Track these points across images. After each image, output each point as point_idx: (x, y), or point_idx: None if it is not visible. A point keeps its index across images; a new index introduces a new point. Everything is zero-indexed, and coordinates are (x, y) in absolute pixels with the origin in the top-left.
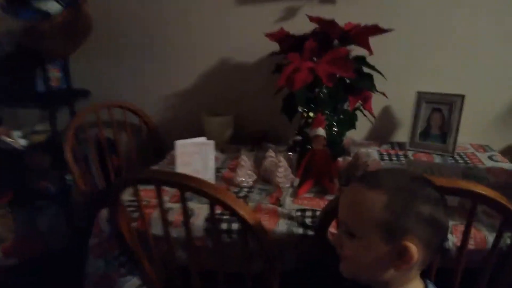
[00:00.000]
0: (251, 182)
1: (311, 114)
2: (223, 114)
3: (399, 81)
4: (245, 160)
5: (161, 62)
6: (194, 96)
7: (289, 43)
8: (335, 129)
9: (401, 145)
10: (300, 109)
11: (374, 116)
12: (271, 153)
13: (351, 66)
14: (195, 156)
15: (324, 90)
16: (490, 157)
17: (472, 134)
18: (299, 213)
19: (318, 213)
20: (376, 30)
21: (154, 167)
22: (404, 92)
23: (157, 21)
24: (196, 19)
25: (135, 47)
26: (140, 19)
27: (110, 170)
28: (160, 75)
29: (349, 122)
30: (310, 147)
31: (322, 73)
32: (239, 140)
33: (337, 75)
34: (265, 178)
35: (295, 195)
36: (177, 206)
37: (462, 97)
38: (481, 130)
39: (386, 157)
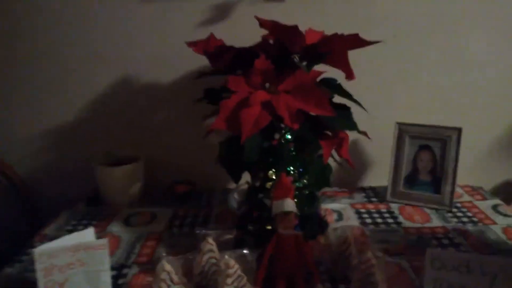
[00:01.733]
0: None
1: (271, 174)
2: (127, 161)
3: (373, 110)
4: (167, 268)
5: (27, 85)
6: (82, 136)
7: (226, 59)
8: (306, 193)
9: (377, 194)
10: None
11: (353, 167)
12: (210, 245)
13: (326, 98)
14: (75, 270)
15: (288, 136)
16: (494, 208)
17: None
18: None
19: None
20: (356, 42)
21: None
22: (379, 124)
23: (20, 26)
24: (82, 22)
25: None
26: None
27: None
28: (28, 105)
29: (321, 178)
30: (269, 228)
31: (283, 110)
32: (152, 197)
33: (304, 113)
34: (202, 283)
35: None
36: None
37: (459, 130)
38: (468, 167)
39: (368, 219)
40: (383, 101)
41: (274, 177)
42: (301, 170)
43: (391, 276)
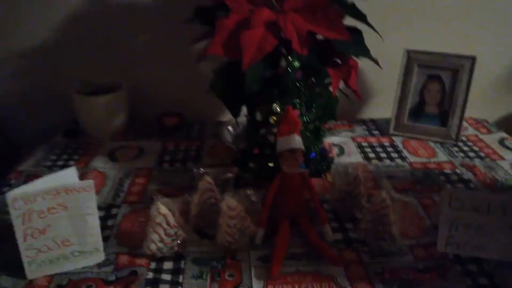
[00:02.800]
0: (176, 247)
1: (276, 107)
2: (109, 90)
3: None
4: (163, 211)
5: None
6: (57, 61)
7: None
8: (311, 127)
9: (378, 126)
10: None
11: (360, 98)
12: (209, 184)
13: (340, 19)
14: (57, 215)
15: (296, 63)
16: (501, 143)
17: None
18: None
19: None
20: None
21: None
22: (386, 50)
23: None
24: None
25: None
26: None
27: None
28: None
29: (327, 111)
30: (271, 165)
31: (291, 32)
32: (137, 130)
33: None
34: (199, 225)
35: (266, 274)
36: None
37: (473, 59)
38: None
39: (370, 153)
40: (392, 26)
41: (278, 111)
42: (307, 103)
43: (402, 216)
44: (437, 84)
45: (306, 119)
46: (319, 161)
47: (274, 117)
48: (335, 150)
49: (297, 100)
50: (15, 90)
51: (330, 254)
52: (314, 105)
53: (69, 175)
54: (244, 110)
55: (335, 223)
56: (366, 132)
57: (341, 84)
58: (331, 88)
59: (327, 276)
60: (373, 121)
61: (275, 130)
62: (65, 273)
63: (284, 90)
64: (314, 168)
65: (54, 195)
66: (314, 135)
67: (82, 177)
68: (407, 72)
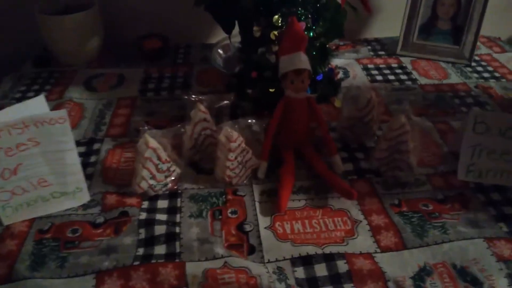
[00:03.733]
0: (170, 184)
1: (277, 19)
2: (79, 8)
3: None
4: (152, 145)
5: None
6: None
7: None
8: (317, 45)
9: (384, 46)
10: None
11: (369, 11)
12: (203, 113)
13: None
14: (29, 151)
15: None
16: None
17: None
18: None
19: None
20: None
21: None
22: None
23: None
24: None
25: None
26: None
27: None
28: None
29: (334, 26)
30: (272, 90)
31: None
32: (115, 55)
33: None
34: (194, 159)
35: (275, 209)
36: None
37: None
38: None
39: (377, 76)
40: None
41: (280, 24)
42: (312, 14)
43: (419, 143)
44: None
45: (313, 34)
46: (326, 84)
47: (275, 32)
48: (340, 73)
49: (302, 10)
50: None
51: (342, 186)
52: (321, 17)
53: (37, 105)
54: (237, 27)
55: (344, 153)
56: (371, 53)
57: None
58: None
59: (339, 210)
60: (377, 40)
61: (276, 48)
62: (47, 217)
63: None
64: (320, 92)
65: (22, 129)
66: (320, 54)
67: (56, 109)
68: None
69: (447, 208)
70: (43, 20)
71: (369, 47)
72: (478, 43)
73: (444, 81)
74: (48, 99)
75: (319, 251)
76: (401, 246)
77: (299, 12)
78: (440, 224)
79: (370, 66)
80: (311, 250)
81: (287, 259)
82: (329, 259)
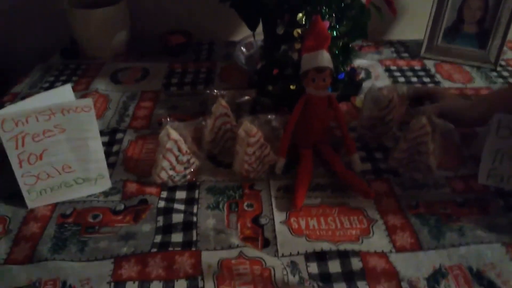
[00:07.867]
0: (189, 176)
1: (301, 17)
2: (107, 3)
3: None
4: (174, 136)
5: None
6: None
7: None
8: (340, 44)
9: (407, 48)
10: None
11: (394, 13)
12: (224, 108)
13: None
14: (55, 138)
15: None
16: None
17: None
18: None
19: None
20: None
21: None
22: None
23: None
24: None
25: None
26: None
27: None
28: None
29: (358, 26)
30: (293, 87)
31: None
32: (140, 50)
33: None
34: (214, 152)
35: (291, 206)
36: None
37: None
38: None
39: (400, 77)
40: None
41: (303, 22)
42: (336, 14)
43: (440, 145)
44: (479, 0)
45: (336, 33)
46: (347, 84)
47: (299, 30)
48: (361, 74)
49: (326, 9)
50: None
51: (360, 185)
52: (345, 17)
53: (64, 93)
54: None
55: (363, 152)
56: (395, 55)
57: None
58: None
59: (356, 209)
60: (401, 42)
61: (298, 45)
62: (69, 202)
63: None
64: (341, 91)
65: (49, 116)
66: (342, 54)
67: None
68: None
69: (466, 213)
70: (72, 13)
71: (393, 49)
72: (505, 48)
73: (468, 85)
74: (74, 90)
75: (334, 248)
76: (417, 247)
77: (323, 11)
78: (457, 227)
79: (392, 67)
80: (325, 246)
81: (301, 254)
82: (343, 256)
